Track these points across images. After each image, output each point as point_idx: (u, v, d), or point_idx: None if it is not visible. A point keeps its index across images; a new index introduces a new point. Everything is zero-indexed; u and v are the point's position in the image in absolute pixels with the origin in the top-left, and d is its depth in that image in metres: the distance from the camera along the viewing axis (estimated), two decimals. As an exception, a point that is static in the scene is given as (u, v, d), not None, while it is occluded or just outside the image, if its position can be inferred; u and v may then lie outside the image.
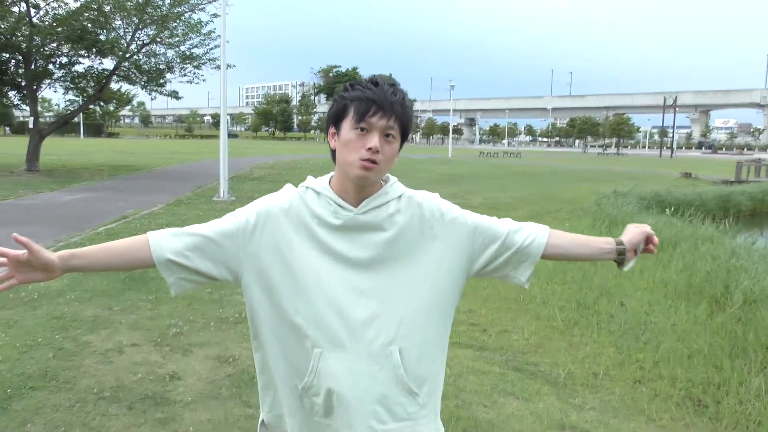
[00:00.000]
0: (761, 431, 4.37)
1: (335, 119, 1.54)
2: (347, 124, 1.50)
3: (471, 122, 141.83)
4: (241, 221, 1.59)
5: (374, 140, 1.47)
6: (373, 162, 1.47)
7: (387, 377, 1.54)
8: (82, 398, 3.78)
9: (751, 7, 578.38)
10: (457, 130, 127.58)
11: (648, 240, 1.76)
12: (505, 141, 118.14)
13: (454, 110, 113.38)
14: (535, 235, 1.68)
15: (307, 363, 1.55)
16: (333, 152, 1.56)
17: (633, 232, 1.75)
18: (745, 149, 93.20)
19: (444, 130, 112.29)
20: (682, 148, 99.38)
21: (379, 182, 1.58)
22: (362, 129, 1.48)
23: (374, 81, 1.53)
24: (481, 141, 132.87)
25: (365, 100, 1.48)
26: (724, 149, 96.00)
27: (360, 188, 1.53)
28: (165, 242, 1.61)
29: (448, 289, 1.67)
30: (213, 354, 4.72)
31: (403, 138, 1.57)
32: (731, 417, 4.61)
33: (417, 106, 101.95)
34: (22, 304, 5.65)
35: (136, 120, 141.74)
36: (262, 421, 1.75)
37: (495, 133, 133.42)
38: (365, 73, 41.16)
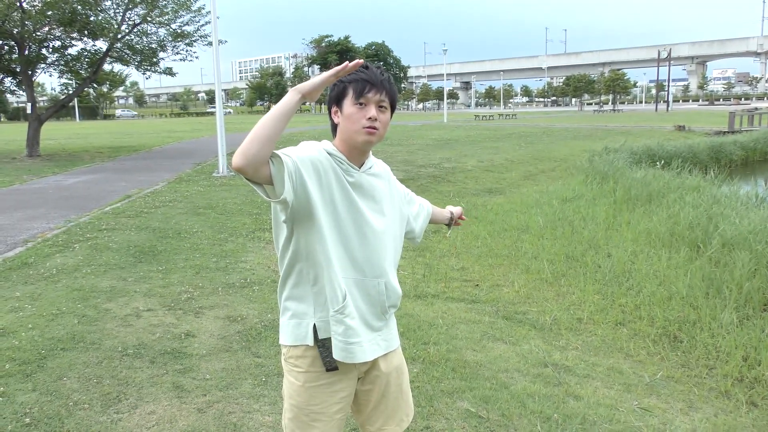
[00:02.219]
0: (729, 360, 4.77)
1: (337, 100, 1.98)
2: (348, 102, 1.94)
3: (466, 86, 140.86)
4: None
5: (372, 111, 1.91)
6: (374, 128, 1.91)
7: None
8: (108, 356, 4.19)
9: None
10: (453, 95, 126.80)
11: (461, 216, 2.65)
12: (500, 103, 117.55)
13: (449, 74, 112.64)
14: (425, 203, 2.45)
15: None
16: (334, 127, 2.01)
17: (456, 209, 2.64)
18: (743, 99, 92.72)
19: (439, 95, 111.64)
20: (679, 101, 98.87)
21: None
22: (361, 104, 1.93)
23: (365, 65, 1.95)
24: (477, 104, 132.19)
25: (361, 80, 1.92)
26: (721, 99, 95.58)
27: (362, 153, 2.00)
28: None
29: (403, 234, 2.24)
30: (222, 315, 5.12)
31: (392, 109, 2.04)
32: (703, 349, 5.02)
33: (411, 72, 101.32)
34: (42, 279, 6.04)
35: (131, 100, 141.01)
36: (314, 326, 1.96)
37: (491, 96, 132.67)
38: (357, 41, 41.08)
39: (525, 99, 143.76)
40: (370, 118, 1.91)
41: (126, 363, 4.09)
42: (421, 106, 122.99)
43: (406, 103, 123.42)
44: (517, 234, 9.20)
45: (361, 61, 1.88)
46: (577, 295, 6.46)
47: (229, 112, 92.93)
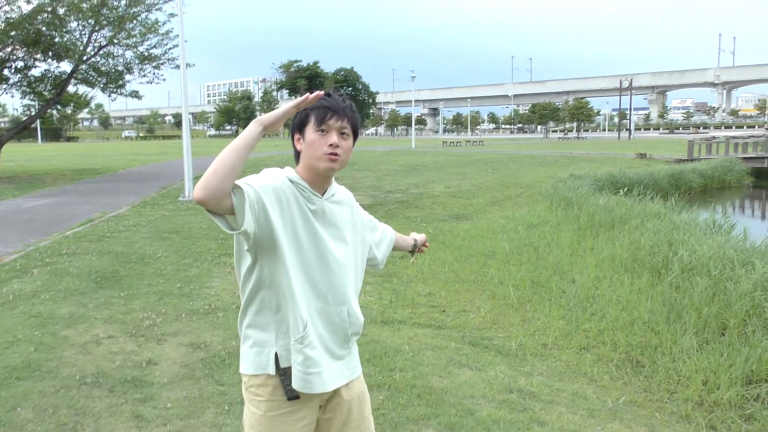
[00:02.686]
0: (690, 384, 4.85)
1: (299, 127, 1.99)
2: (310, 129, 1.95)
3: (434, 112, 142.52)
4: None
5: (333, 137, 1.94)
6: (335, 155, 1.92)
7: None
8: (65, 384, 4.07)
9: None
10: (421, 121, 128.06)
11: (424, 243, 2.66)
12: (468, 130, 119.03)
13: (417, 101, 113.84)
14: (388, 229, 2.46)
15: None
16: (297, 154, 2.02)
17: (420, 236, 2.64)
18: (701, 128, 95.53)
19: (407, 121, 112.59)
20: (641, 129, 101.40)
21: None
22: (323, 130, 1.94)
23: (327, 93, 1.97)
24: (444, 130, 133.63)
25: (322, 108, 1.94)
26: (681, 129, 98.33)
27: (325, 180, 2.01)
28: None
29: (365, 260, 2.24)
30: (186, 341, 5.03)
31: (355, 135, 2.06)
32: (664, 374, 5.10)
33: (379, 98, 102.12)
34: (-2, 306, 5.87)
35: (95, 122, 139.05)
36: (276, 355, 1.94)
37: (458, 122, 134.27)
38: (326, 66, 41.27)
39: (492, 126, 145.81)
40: (331, 144, 1.92)
41: (84, 392, 3.98)
42: (390, 132, 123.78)
43: (374, 128, 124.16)
44: (484, 260, 9.27)
45: (322, 92, 1.89)
46: (542, 321, 6.52)
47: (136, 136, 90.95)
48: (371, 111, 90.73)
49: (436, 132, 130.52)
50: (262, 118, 1.80)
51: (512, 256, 9.38)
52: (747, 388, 4.75)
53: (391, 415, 3.89)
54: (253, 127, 1.78)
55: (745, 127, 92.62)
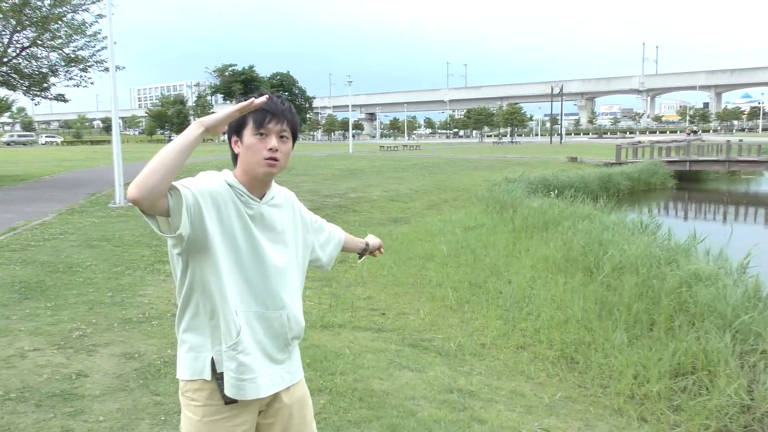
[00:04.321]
0: (621, 378, 5.02)
1: (236, 129, 1.94)
2: (248, 132, 1.90)
3: (371, 117, 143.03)
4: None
5: (273, 141, 1.90)
6: (275, 159, 1.88)
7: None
8: (-12, 401, 3.86)
9: None
10: (358, 126, 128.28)
11: (379, 248, 2.60)
12: (405, 135, 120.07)
13: (354, 105, 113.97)
14: (336, 230, 2.41)
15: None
16: (235, 157, 1.97)
17: (374, 241, 2.59)
18: (628, 133, 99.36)
19: (345, 125, 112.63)
20: (571, 134, 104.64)
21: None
22: (261, 134, 1.90)
23: (262, 94, 1.89)
24: (382, 135, 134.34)
25: (261, 111, 1.88)
26: (609, 134, 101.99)
27: (264, 183, 1.97)
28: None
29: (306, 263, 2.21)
30: (118, 352, 4.84)
31: (294, 138, 2.02)
32: (597, 369, 5.27)
33: (316, 103, 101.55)
34: None
35: (17, 127, 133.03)
36: (212, 360, 1.89)
37: (395, 127, 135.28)
38: (262, 71, 40.76)
39: (428, 131, 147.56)
40: (270, 149, 1.89)
41: (8, 408, 3.76)
42: (327, 137, 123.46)
43: (311, 133, 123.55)
44: (422, 262, 9.35)
45: (266, 98, 1.83)
46: (480, 321, 6.62)
47: (59, 142, 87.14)
48: (308, 116, 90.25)
49: (374, 137, 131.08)
50: (203, 120, 1.74)
51: (450, 259, 9.49)
52: (675, 380, 4.96)
53: (333, 418, 3.87)
54: (193, 128, 1.73)
55: (668, 132, 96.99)
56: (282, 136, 1.93)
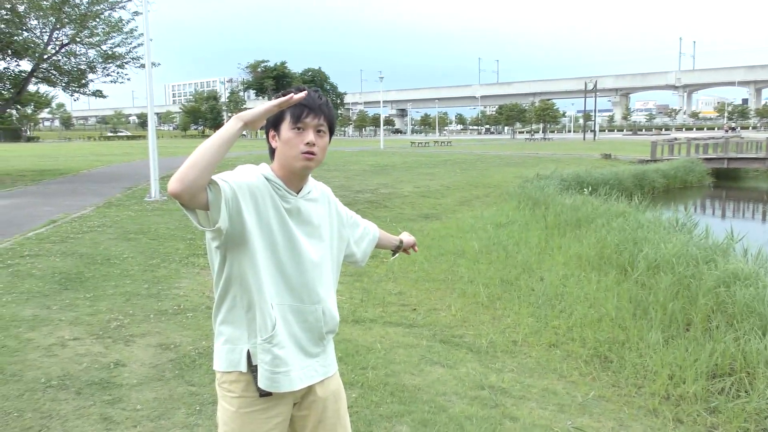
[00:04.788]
0: (656, 378, 4.94)
1: (274, 124, 1.96)
2: (285, 126, 1.92)
3: (402, 113, 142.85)
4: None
5: (310, 135, 1.92)
6: (312, 153, 1.90)
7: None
8: (30, 388, 3.96)
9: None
10: (389, 122, 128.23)
11: (413, 246, 2.59)
12: (436, 131, 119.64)
13: (385, 101, 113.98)
14: (371, 227, 2.40)
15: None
16: (272, 151, 1.99)
17: (408, 238, 2.58)
18: (663, 129, 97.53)
19: (376, 121, 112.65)
20: (605, 130, 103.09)
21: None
22: (299, 128, 1.92)
23: (301, 89, 1.92)
24: (412, 131, 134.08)
25: (298, 105, 1.90)
26: (644, 130, 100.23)
27: (301, 178, 1.99)
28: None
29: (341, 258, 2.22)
30: (155, 342, 4.94)
31: (331, 132, 2.04)
32: (632, 368, 5.19)
33: (348, 99, 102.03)
34: (-43, 309, 5.69)
35: (57, 123, 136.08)
36: (248, 352, 1.92)
37: (426, 123, 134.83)
38: (294, 67, 40.98)
39: (459, 126, 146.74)
40: (308, 143, 1.90)
41: (50, 395, 3.88)
42: (358, 133, 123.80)
43: (343, 129, 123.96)
44: (454, 258, 9.32)
45: (305, 93, 1.85)
46: (512, 318, 6.58)
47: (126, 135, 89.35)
48: (339, 111, 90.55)
49: (404, 133, 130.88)
50: (242, 115, 1.76)
51: (481, 255, 9.45)
52: (711, 381, 4.86)
53: (365, 412, 3.89)
54: (233, 123, 1.75)
55: (705, 128, 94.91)
56: (319, 131, 1.95)
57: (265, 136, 2.04)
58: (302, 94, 1.83)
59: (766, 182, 31.04)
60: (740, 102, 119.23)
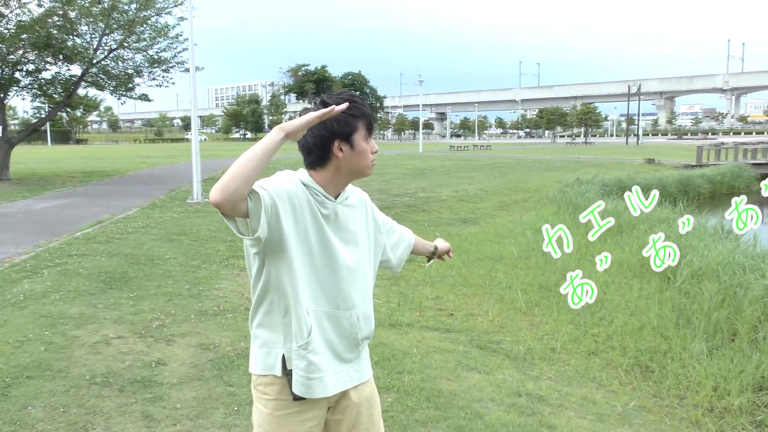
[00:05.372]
0: (700, 390, 4.82)
1: (345, 135, 1.94)
2: (359, 137, 1.96)
3: (441, 116, 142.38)
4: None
5: (375, 145, 2.02)
6: (375, 161, 2.02)
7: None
8: (76, 384, 4.09)
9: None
10: (428, 125, 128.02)
11: (448, 252, 2.60)
12: (475, 134, 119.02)
13: (424, 105, 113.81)
14: (407, 233, 2.42)
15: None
16: (324, 158, 1.95)
17: (443, 245, 2.58)
18: (710, 134, 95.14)
19: (415, 125, 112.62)
20: (649, 134, 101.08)
21: None
22: (369, 138, 1.99)
23: (355, 96, 1.97)
24: (452, 135, 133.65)
25: (367, 116, 1.98)
26: (689, 134, 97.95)
27: (346, 184, 2.03)
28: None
29: (377, 263, 2.24)
30: (195, 342, 5.04)
31: None
32: (674, 379, 5.08)
33: (387, 102, 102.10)
34: (8, 305, 5.89)
35: (104, 125, 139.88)
36: (283, 356, 1.93)
37: (465, 127, 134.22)
38: (334, 71, 41.24)
39: (499, 130, 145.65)
40: (375, 152, 2.01)
41: (94, 391, 4.00)
42: (397, 136, 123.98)
43: (382, 132, 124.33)
44: (491, 263, 9.26)
45: (346, 105, 1.86)
46: (550, 325, 6.51)
47: (204, 139, 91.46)
48: (379, 115, 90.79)
49: (444, 136, 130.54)
50: (284, 126, 1.78)
51: (520, 261, 9.36)
52: (758, 394, 4.72)
53: (400, 417, 3.89)
54: (275, 134, 1.77)
55: (754, 133, 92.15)
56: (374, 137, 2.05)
57: (312, 145, 1.97)
58: (344, 106, 1.84)
59: (818, 188, 29.91)
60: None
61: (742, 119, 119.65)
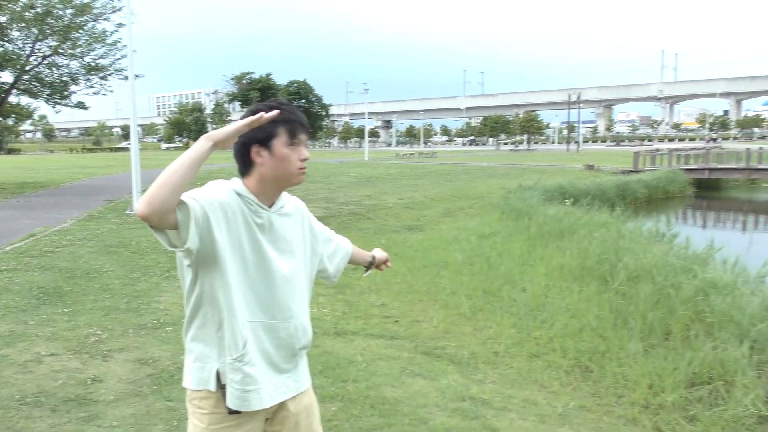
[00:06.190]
0: (636, 388, 4.97)
1: (264, 141, 1.91)
2: (280, 143, 1.91)
3: (387, 124, 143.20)
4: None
5: (304, 152, 1.97)
6: (304, 168, 1.96)
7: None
8: (4, 405, 3.90)
9: (645, 2, 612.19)
10: (374, 133, 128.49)
11: (386, 261, 2.59)
12: (421, 142, 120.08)
13: (370, 113, 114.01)
14: (344, 242, 2.41)
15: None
16: (248, 166, 1.94)
17: (381, 254, 2.57)
18: (646, 140, 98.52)
19: (361, 133, 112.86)
20: (588, 141, 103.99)
21: None
22: (293, 144, 1.93)
23: (281, 103, 1.93)
24: (398, 143, 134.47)
25: (292, 121, 1.92)
26: (627, 141, 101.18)
27: (279, 192, 2.00)
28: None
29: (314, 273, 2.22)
30: (133, 357, 4.89)
31: None
32: (612, 378, 5.23)
33: (333, 110, 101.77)
34: (-68, 325, 5.60)
35: (39, 134, 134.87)
36: (217, 371, 1.91)
37: (411, 135, 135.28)
38: (279, 79, 40.81)
39: (444, 138, 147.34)
40: (304, 159, 1.95)
41: (24, 412, 3.82)
42: (343, 144, 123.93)
43: (327, 141, 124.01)
44: (437, 270, 9.34)
45: (276, 112, 1.83)
46: (494, 329, 6.60)
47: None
48: (325, 123, 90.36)
49: (390, 144, 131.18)
50: (212, 134, 1.75)
51: (465, 266, 9.47)
52: (690, 390, 4.90)
53: (344, 426, 3.87)
54: (202, 143, 1.73)
55: (687, 139, 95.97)
56: (306, 146, 1.99)
57: (236, 151, 1.98)
58: (274, 113, 1.82)
59: (746, 192, 31.46)
60: (721, 113, 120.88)
61: (676, 126, 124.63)
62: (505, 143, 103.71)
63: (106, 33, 21.11)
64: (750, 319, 5.78)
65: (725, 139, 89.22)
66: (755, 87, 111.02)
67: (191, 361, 1.95)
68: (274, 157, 1.91)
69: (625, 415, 4.56)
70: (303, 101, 40.13)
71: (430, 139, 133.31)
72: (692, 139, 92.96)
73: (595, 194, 19.40)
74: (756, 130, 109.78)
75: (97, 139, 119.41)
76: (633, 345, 5.68)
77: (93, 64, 21.46)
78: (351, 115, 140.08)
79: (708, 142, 66.94)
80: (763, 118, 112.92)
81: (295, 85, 40.49)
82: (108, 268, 8.17)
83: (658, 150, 38.96)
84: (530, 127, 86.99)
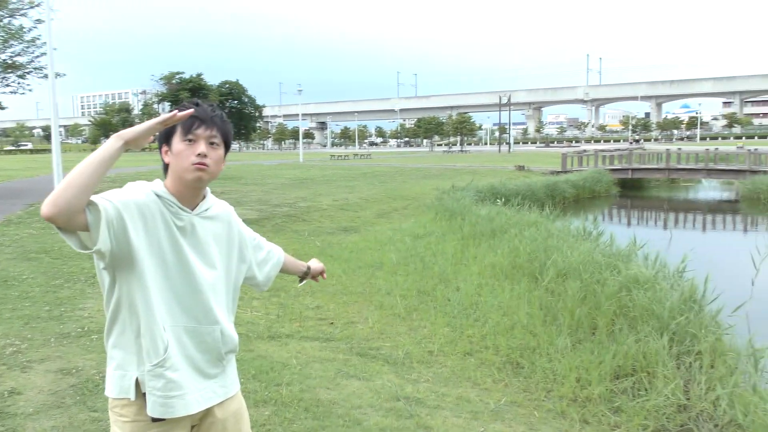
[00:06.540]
0: (565, 382, 5.12)
1: (166, 138, 1.89)
2: (177, 139, 1.86)
3: (322, 126, 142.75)
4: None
5: (201, 147, 1.86)
6: (204, 164, 1.84)
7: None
8: None
9: (571, 8, 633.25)
10: (309, 135, 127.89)
11: (321, 273, 2.56)
12: (356, 144, 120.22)
13: (305, 114, 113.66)
14: (276, 250, 2.36)
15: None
16: (165, 166, 1.92)
17: (317, 265, 2.53)
18: (573, 141, 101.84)
19: (295, 134, 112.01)
20: (519, 143, 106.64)
21: (204, 192, 1.97)
22: (190, 140, 1.86)
23: (195, 102, 1.90)
24: (333, 144, 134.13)
25: (190, 117, 1.84)
26: (555, 143, 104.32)
27: (195, 193, 1.92)
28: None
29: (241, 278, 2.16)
30: (54, 368, 4.68)
31: (227, 146, 1.98)
32: (542, 373, 5.36)
33: (267, 112, 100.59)
34: None
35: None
36: (137, 380, 1.85)
37: (346, 136, 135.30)
38: (210, 79, 39.98)
39: (379, 139, 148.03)
40: (199, 154, 1.85)
41: (-67, 430, 3.60)
42: (278, 146, 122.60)
43: (261, 142, 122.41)
44: (372, 271, 9.35)
45: (191, 110, 1.80)
46: (428, 329, 6.66)
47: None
48: (258, 124, 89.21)
49: (324, 146, 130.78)
50: (123, 133, 1.69)
51: (399, 267, 9.53)
52: (615, 382, 5.09)
53: (278, 430, 3.82)
54: (112, 142, 1.68)
55: (611, 141, 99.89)
56: (212, 143, 1.90)
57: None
58: (188, 111, 1.78)
59: (666, 191, 32.99)
60: (643, 115, 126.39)
61: (602, 128, 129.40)
62: (439, 144, 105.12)
63: (24, 29, 20.15)
64: (669, 312, 6.05)
65: (647, 140, 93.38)
66: (674, 91, 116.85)
67: (113, 369, 1.89)
68: (173, 154, 1.87)
69: (555, 409, 4.68)
70: (235, 102, 39.45)
71: (366, 141, 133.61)
72: (617, 141, 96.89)
73: (525, 194, 19.90)
74: (675, 131, 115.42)
75: (16, 140, 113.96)
76: (561, 340, 5.85)
77: (9, 61, 20.42)
78: (285, 116, 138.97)
79: (631, 143, 69.82)
80: (682, 121, 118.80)
81: (227, 85, 39.77)
82: (28, 275, 7.80)
83: (585, 151, 40.37)
84: (463, 128, 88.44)
